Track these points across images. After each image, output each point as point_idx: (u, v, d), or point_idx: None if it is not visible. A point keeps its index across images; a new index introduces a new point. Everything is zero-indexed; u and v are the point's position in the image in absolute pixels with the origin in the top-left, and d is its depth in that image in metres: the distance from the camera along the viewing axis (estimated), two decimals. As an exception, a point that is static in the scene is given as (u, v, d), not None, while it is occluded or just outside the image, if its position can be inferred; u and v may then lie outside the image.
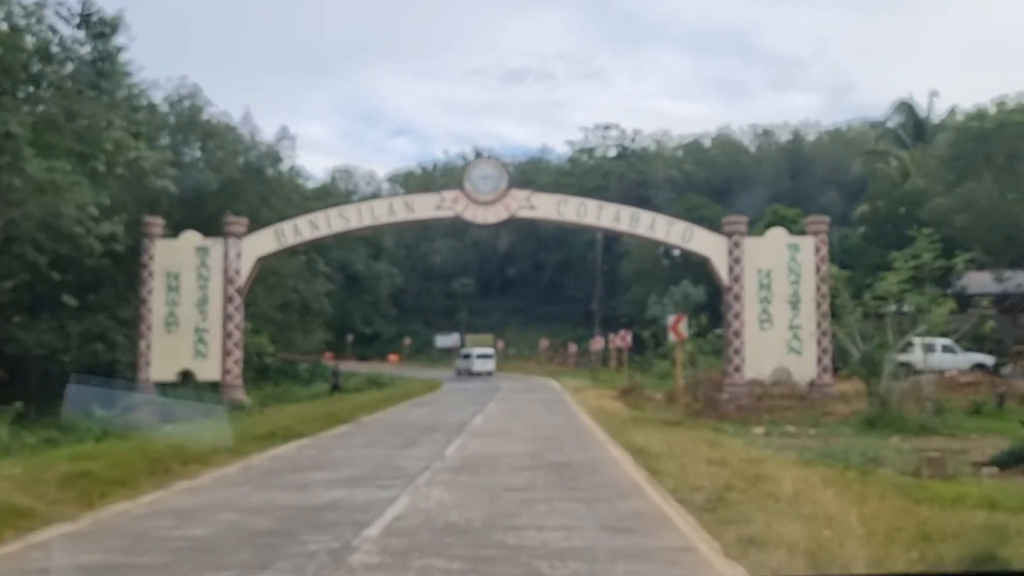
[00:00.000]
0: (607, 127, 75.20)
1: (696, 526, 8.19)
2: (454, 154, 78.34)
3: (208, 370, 25.94)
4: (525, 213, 26.44)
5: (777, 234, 26.68)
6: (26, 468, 10.12)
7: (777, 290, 25.75)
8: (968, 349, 30.81)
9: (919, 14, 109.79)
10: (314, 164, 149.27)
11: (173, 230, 27.21)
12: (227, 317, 25.89)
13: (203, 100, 33.21)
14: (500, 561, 6.75)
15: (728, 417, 24.30)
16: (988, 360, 31.39)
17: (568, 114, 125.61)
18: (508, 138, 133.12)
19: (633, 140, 75.56)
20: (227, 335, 25.88)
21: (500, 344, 69.57)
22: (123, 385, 26.66)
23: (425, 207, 26.37)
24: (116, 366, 27.46)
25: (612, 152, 75.65)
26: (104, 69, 24.38)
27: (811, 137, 78.49)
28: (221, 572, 6.40)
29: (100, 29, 24.26)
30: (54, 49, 23.87)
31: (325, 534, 7.70)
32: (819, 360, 25.70)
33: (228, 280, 25.95)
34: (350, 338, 66.72)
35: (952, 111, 51.70)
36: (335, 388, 32.18)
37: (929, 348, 26.19)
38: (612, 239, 76.68)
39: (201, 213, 30.37)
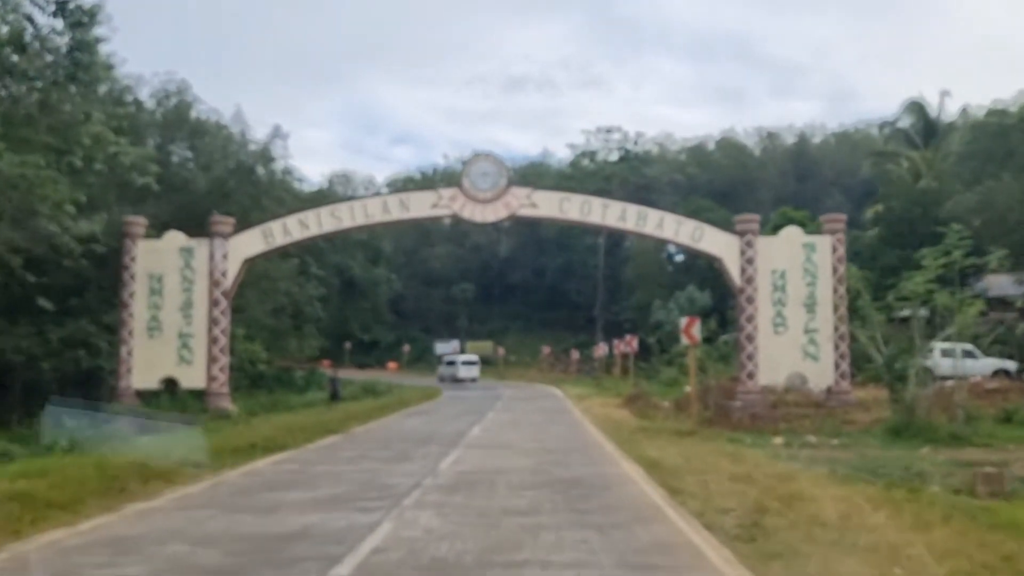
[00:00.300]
0: (609, 130, 74.04)
1: (734, 561, 6.83)
2: (454, 159, 77.05)
3: (193, 377, 24.59)
4: (526, 211, 25.12)
5: (792, 233, 25.32)
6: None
7: (792, 292, 24.40)
8: (987, 354, 29.43)
9: (919, 20, 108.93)
10: (314, 171, 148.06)
11: (159, 231, 25.88)
12: (213, 322, 24.55)
13: (192, 97, 31.96)
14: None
15: (741, 426, 22.91)
16: (1010, 365, 30.00)
17: (569, 121, 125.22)
18: (509, 145, 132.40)
19: (636, 143, 74.34)
20: (213, 340, 24.54)
21: (501, 351, 68.33)
22: (106, 393, 25.51)
23: (421, 205, 25.04)
24: (99, 373, 26.11)
25: (614, 156, 74.39)
26: (81, 59, 23.10)
27: (816, 140, 77.32)
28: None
29: (78, 18, 22.98)
30: (29, 39, 22.62)
31: (285, 574, 6.36)
32: (836, 366, 24.34)
33: (214, 282, 24.62)
34: (348, 345, 65.38)
35: (964, 110, 50.52)
36: (334, 396, 30.71)
37: (949, 353, 24.87)
38: (614, 244, 75.66)
39: (189, 214, 28.97)
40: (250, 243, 25.06)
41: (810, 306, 24.35)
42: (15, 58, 22.68)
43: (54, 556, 6.92)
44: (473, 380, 52.54)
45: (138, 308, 24.58)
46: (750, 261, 24.46)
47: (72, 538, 7.71)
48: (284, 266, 34.38)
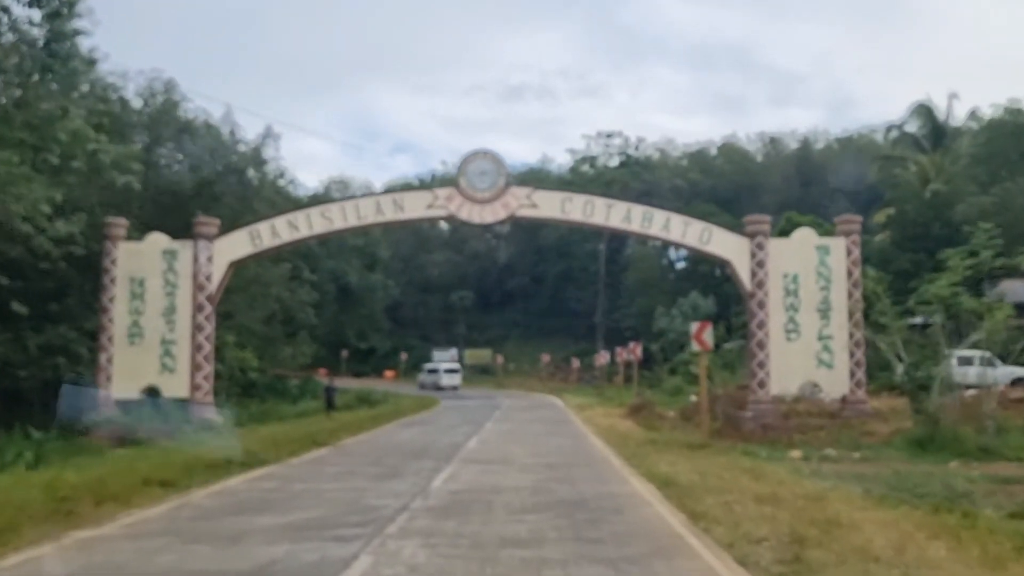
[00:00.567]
0: (610, 135, 73.08)
1: (780, 609, 5.63)
2: (452, 165, 75.85)
3: (176, 386, 23.32)
4: (526, 212, 23.94)
5: (804, 235, 24.13)
6: None
7: (805, 297, 23.18)
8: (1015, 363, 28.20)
9: (919, 29, 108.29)
10: (313, 179, 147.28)
11: (144, 234, 24.69)
12: (197, 328, 23.31)
13: (179, 95, 30.81)
14: None
15: (753, 438, 21.71)
16: (1029, 374, 28.75)
17: (568, 130, 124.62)
18: (508, 154, 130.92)
19: (637, 148, 73.31)
20: (197, 347, 23.30)
21: (499, 359, 67.14)
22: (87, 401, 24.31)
23: (416, 206, 23.85)
24: (80, 382, 24.85)
25: (615, 161, 73.41)
26: (59, 51, 22.00)
27: (819, 145, 76.31)
28: None
29: (55, 8, 21.87)
30: (3, 30, 21.51)
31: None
32: (852, 374, 23.09)
33: (198, 287, 23.40)
34: (345, 353, 64.21)
35: (973, 113, 49.51)
36: (329, 406, 29.39)
37: (966, 361, 23.71)
38: (615, 250, 74.54)
39: (176, 217, 27.84)
40: (236, 245, 23.85)
41: (824, 311, 23.14)
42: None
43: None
44: (455, 388, 52.54)
45: (118, 313, 23.35)
46: (761, 264, 23.27)
47: (-11, 577, 6.53)
48: (275, 271, 33.23)
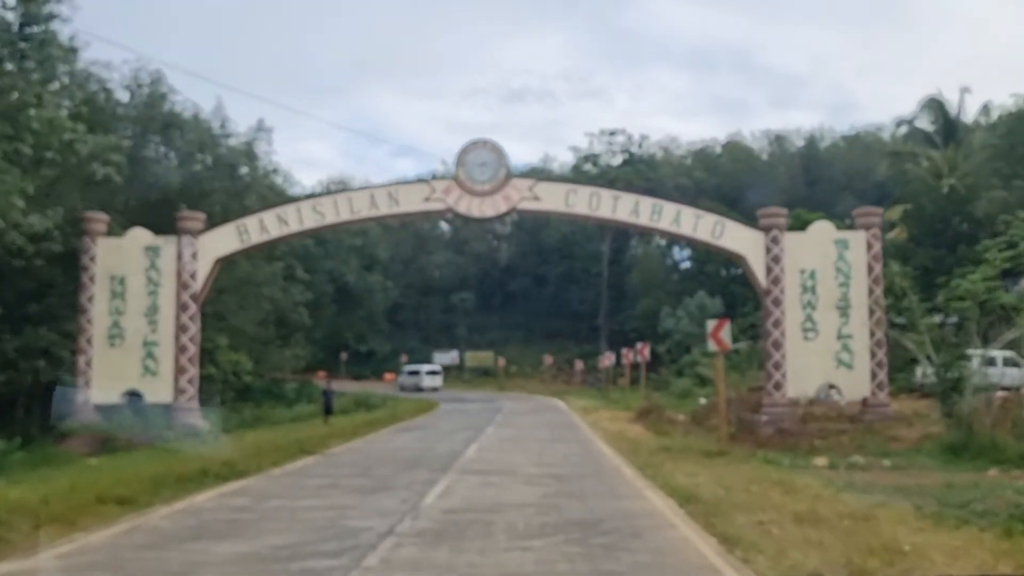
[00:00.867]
0: (613, 132, 71.65)
1: None
2: (452, 165, 74.44)
3: (159, 390, 22.06)
4: (528, 205, 22.66)
5: (822, 228, 22.80)
6: None
7: (823, 293, 21.88)
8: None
9: (919, 31, 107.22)
10: (314, 182, 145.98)
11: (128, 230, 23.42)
12: (181, 328, 22.04)
13: (167, 87, 29.49)
14: None
15: (769, 443, 20.40)
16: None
17: (569, 133, 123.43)
18: (509, 155, 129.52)
19: (640, 146, 71.93)
20: (181, 349, 22.02)
21: (501, 362, 65.88)
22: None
23: (412, 199, 22.57)
24: (76, 386, 23.55)
25: (618, 159, 72.02)
26: (32, 35, 20.78)
27: (825, 143, 75.00)
28: None
29: (29, -11, 20.66)
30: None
31: None
32: (873, 375, 21.79)
33: (182, 285, 22.13)
34: (344, 356, 62.93)
35: (985, 107, 48.13)
36: (327, 410, 28.00)
37: (989, 361, 22.40)
38: (618, 250, 73.18)
39: (164, 213, 26.55)
40: (223, 241, 22.60)
41: (843, 309, 21.85)
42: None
43: None
44: (435, 389, 53.74)
45: (98, 313, 22.09)
46: (776, 259, 21.99)
47: None
48: (267, 269, 31.93)
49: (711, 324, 17.51)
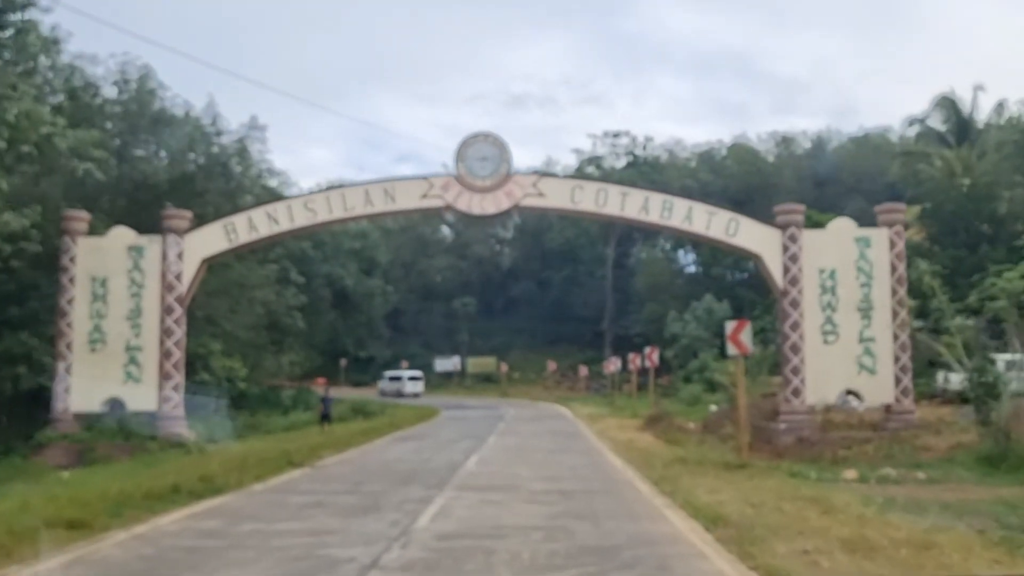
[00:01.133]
0: (616, 134, 70.57)
1: None
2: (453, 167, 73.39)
3: (142, 398, 20.88)
4: (532, 202, 21.49)
5: (842, 226, 21.59)
6: None
7: (844, 294, 20.69)
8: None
9: (921, 36, 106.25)
10: (313, 187, 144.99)
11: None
12: (165, 332, 20.88)
13: (156, 83, 28.37)
14: None
15: (788, 454, 19.17)
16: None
17: (571, 138, 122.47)
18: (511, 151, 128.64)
19: (644, 148, 70.78)
20: (165, 355, 20.86)
21: (504, 368, 64.68)
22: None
23: (409, 196, 21.41)
24: (45, 393, 22.44)
25: (622, 162, 70.93)
26: (8, 22, 19.70)
27: (832, 145, 73.78)
28: None
29: (4, -25, 19.60)
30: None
31: None
32: (897, 380, 20.58)
33: (167, 287, 20.98)
34: (343, 362, 61.80)
35: (1000, 105, 46.95)
36: (325, 418, 26.72)
37: (1015, 365, 21.21)
38: (623, 253, 71.95)
39: (152, 214, 25.48)
40: (209, 241, 21.45)
41: (865, 310, 20.65)
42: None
43: None
44: (416, 395, 54.07)
45: (78, 317, 20.94)
46: (794, 258, 20.80)
47: None
48: (260, 271, 30.77)
49: (730, 326, 16.28)
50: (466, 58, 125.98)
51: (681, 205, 21.63)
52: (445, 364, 68.14)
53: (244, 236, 21.47)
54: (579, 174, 71.65)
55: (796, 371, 20.56)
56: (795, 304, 20.66)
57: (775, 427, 20.62)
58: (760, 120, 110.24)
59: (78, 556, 7.65)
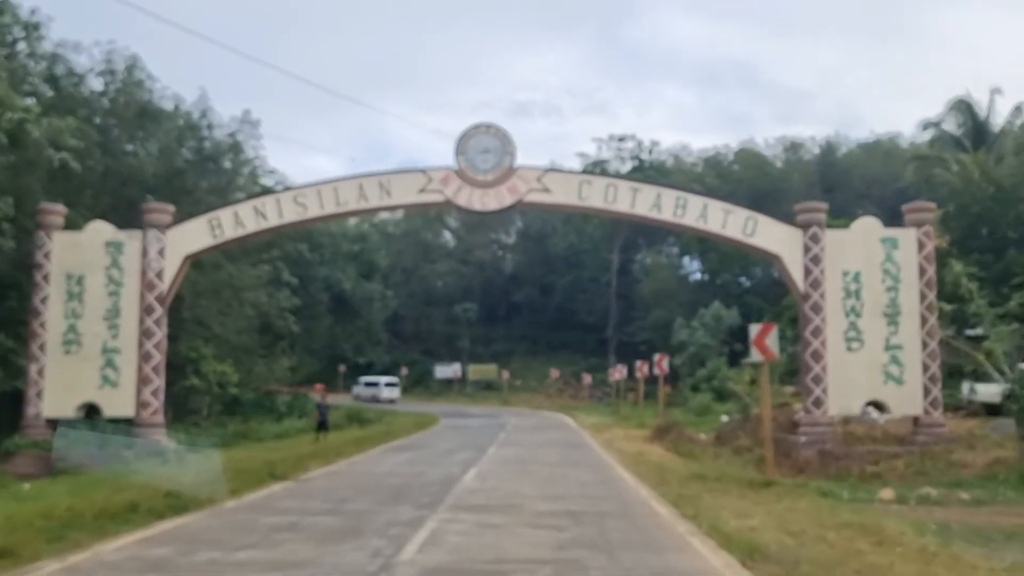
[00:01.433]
0: (622, 138, 69.39)
1: None
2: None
3: (119, 403, 19.57)
4: (536, 198, 20.19)
5: (867, 226, 20.21)
6: None
7: (869, 299, 19.34)
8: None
9: (925, 47, 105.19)
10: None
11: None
12: (145, 334, 19.56)
13: (144, 74, 27.10)
14: None
15: (810, 468, 17.83)
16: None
17: (574, 147, 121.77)
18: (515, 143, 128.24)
19: (650, 152, 69.53)
20: (144, 357, 19.53)
21: (505, 375, 63.29)
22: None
23: (406, 190, 20.10)
24: (22, 397, 21.09)
25: (627, 166, 69.70)
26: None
27: (842, 151, 72.52)
28: None
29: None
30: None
31: None
32: (926, 391, 19.20)
33: (147, 285, 19.66)
34: (342, 368, 60.45)
35: (1018, 108, 45.63)
36: (321, 426, 25.26)
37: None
38: (628, 259, 70.61)
39: (137, 211, 24.22)
40: (193, 236, 20.13)
41: (892, 316, 19.29)
42: None
43: None
44: (392, 401, 54.28)
45: (52, 317, 19.63)
46: (816, 260, 19.46)
47: None
48: (252, 272, 29.44)
49: (754, 329, 14.92)
50: (471, 66, 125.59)
51: (695, 202, 20.32)
52: (445, 371, 66.80)
53: (230, 232, 20.15)
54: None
55: (818, 380, 19.20)
56: (817, 309, 19.32)
57: (794, 440, 19.26)
58: (765, 130, 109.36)
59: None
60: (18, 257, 21.23)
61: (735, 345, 46.66)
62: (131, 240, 19.93)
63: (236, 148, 29.70)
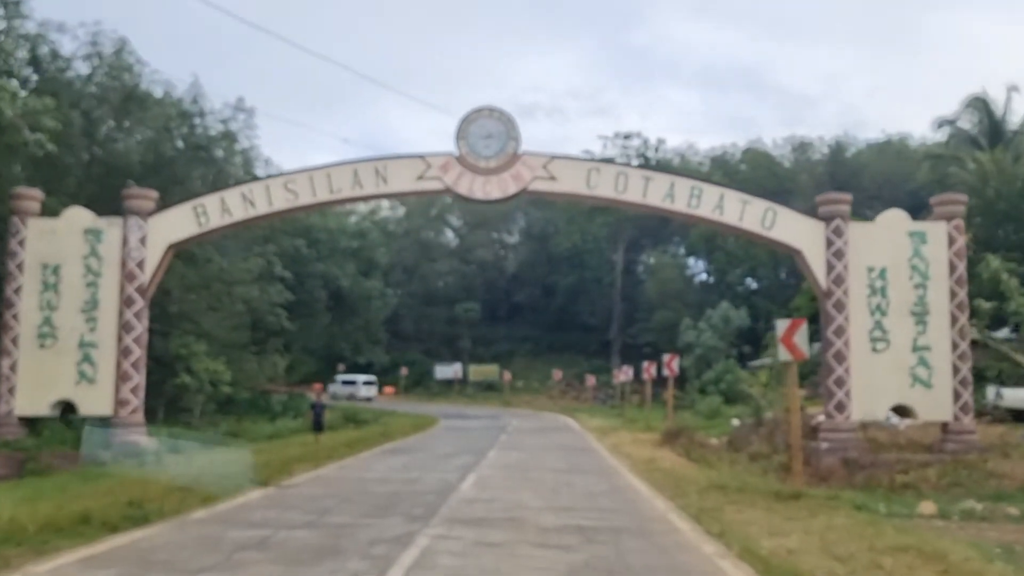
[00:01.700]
0: (628, 136, 68.18)
1: None
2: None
3: (97, 401, 18.35)
4: (542, 186, 18.98)
5: (893, 218, 18.93)
6: None
7: (895, 297, 18.09)
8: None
9: (930, 50, 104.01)
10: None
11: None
12: (125, 327, 18.35)
13: (134, 58, 25.93)
14: None
15: (833, 477, 16.62)
16: None
17: (578, 148, 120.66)
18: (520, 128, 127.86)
19: (657, 150, 68.35)
20: (124, 352, 18.32)
21: (507, 376, 62.09)
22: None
23: (403, 177, 18.90)
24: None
25: (633, 164, 68.47)
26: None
27: (851, 151, 71.31)
28: None
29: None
30: None
31: None
32: (956, 396, 17.96)
33: (127, 275, 18.46)
34: (341, 368, 59.33)
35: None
36: (317, 427, 24.08)
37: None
38: (632, 260, 69.39)
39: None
40: (177, 224, 18.92)
41: (920, 315, 18.04)
42: None
43: None
44: (369, 400, 54.20)
45: (26, 308, 18.43)
46: (839, 255, 18.22)
47: None
48: (243, 266, 28.25)
49: (782, 326, 13.67)
50: (475, 68, 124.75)
51: (711, 192, 19.06)
52: (445, 371, 65.67)
53: (216, 219, 18.94)
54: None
55: (840, 383, 17.96)
56: (840, 307, 18.08)
57: (814, 447, 18.01)
58: (768, 133, 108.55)
59: None
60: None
61: (743, 347, 45.46)
62: (111, 228, 18.73)
63: (229, 137, 28.54)
